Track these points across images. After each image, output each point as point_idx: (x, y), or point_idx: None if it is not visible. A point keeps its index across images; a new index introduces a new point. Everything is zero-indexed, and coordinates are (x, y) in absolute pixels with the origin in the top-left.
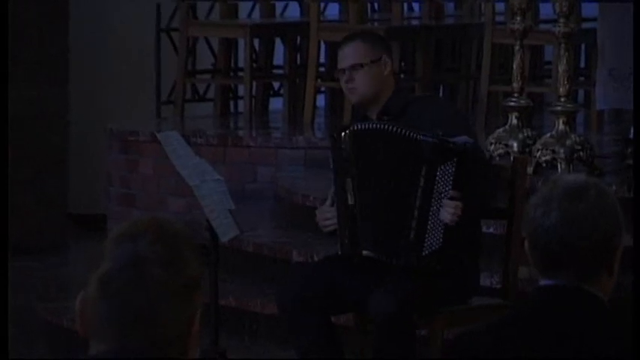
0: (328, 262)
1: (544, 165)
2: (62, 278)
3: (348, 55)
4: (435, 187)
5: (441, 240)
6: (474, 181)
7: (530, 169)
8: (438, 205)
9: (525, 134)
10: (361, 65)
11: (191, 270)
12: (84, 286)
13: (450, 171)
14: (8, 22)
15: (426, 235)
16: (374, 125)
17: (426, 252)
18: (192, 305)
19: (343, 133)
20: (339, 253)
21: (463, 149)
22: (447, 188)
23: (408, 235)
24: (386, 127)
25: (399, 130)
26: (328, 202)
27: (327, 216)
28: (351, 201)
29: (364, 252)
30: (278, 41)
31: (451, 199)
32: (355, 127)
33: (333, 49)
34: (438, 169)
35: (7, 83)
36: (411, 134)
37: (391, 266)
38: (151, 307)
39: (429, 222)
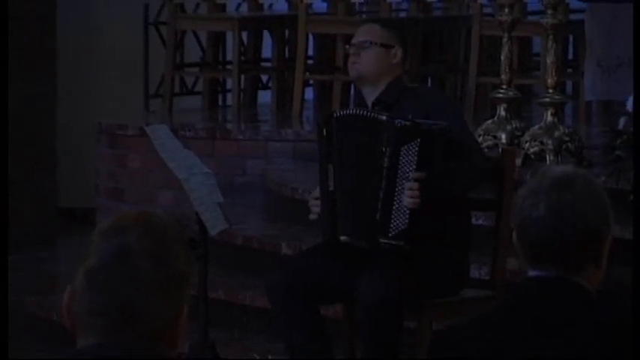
0: (317, 251)
1: (532, 157)
2: (51, 272)
3: (362, 32)
4: (399, 167)
5: (407, 220)
6: (442, 162)
7: (518, 161)
8: (403, 186)
9: (514, 126)
10: (370, 43)
11: (180, 264)
12: (73, 279)
13: (414, 151)
14: (8, 22)
15: (392, 216)
16: (354, 111)
17: (393, 233)
18: (180, 299)
19: (327, 120)
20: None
21: (427, 129)
22: (410, 168)
23: (374, 217)
24: (362, 112)
25: (372, 114)
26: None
27: (316, 203)
28: (331, 187)
29: (342, 238)
30: (266, 34)
31: (415, 180)
32: (337, 114)
33: (321, 42)
34: (402, 150)
35: (7, 83)
36: (380, 117)
37: (378, 254)
38: (138, 300)
39: (395, 202)
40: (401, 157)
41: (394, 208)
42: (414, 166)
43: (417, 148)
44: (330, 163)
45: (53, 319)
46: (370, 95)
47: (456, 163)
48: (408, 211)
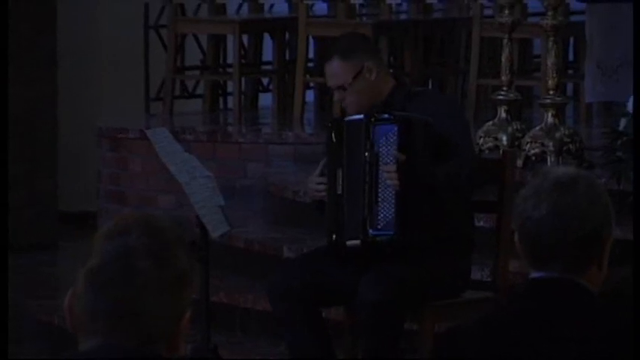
0: (318, 254)
1: (533, 158)
2: (53, 276)
3: (331, 75)
4: (380, 158)
5: (393, 209)
6: (425, 152)
7: (519, 163)
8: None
9: (514, 127)
10: (344, 87)
11: (180, 265)
12: (74, 283)
13: (393, 140)
14: (8, 25)
15: (379, 208)
16: (363, 118)
17: (382, 224)
18: (181, 301)
19: (336, 125)
20: (327, 243)
21: (404, 118)
22: (390, 158)
23: (362, 212)
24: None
25: (355, 118)
26: (317, 172)
27: (318, 187)
28: (339, 191)
29: (348, 243)
30: (267, 37)
31: (396, 160)
32: (348, 120)
33: (321, 45)
34: (381, 140)
35: (7, 86)
36: (358, 117)
37: (379, 256)
38: (140, 301)
39: (380, 194)
40: (381, 148)
41: (380, 199)
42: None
43: (395, 137)
44: (339, 167)
45: (54, 323)
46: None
47: (442, 161)
48: (393, 201)
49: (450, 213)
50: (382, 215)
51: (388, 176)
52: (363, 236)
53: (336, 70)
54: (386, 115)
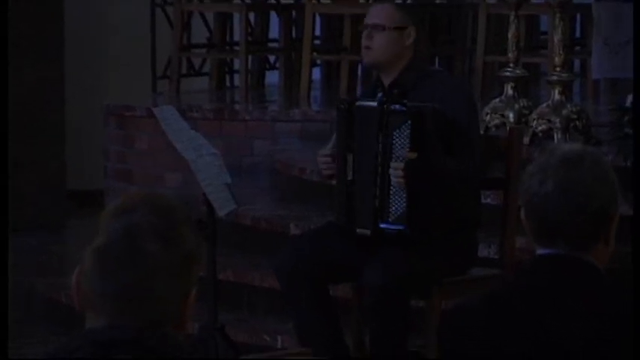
0: (325, 231)
1: (540, 135)
2: (61, 255)
3: (375, 13)
4: (393, 151)
5: (404, 203)
6: (436, 143)
7: (526, 139)
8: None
9: (521, 104)
10: (383, 27)
11: (187, 244)
12: (81, 261)
13: (406, 134)
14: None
15: (390, 201)
16: (376, 105)
17: (393, 217)
18: (188, 280)
19: (347, 107)
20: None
21: (417, 111)
22: (404, 152)
23: (374, 203)
24: (374, 102)
25: (367, 104)
26: (329, 146)
27: (327, 159)
28: (350, 177)
29: (358, 231)
30: (273, 15)
31: (409, 159)
32: (359, 104)
33: (327, 22)
34: (394, 134)
35: (7, 64)
36: (371, 105)
37: (387, 239)
38: (146, 279)
39: (392, 187)
40: (394, 141)
41: (392, 192)
42: (408, 149)
43: (408, 131)
44: (349, 152)
45: (63, 301)
46: (387, 78)
47: (450, 149)
48: (405, 195)
49: (458, 202)
50: (394, 208)
51: (395, 173)
52: (373, 227)
53: (384, 11)
54: (398, 106)
